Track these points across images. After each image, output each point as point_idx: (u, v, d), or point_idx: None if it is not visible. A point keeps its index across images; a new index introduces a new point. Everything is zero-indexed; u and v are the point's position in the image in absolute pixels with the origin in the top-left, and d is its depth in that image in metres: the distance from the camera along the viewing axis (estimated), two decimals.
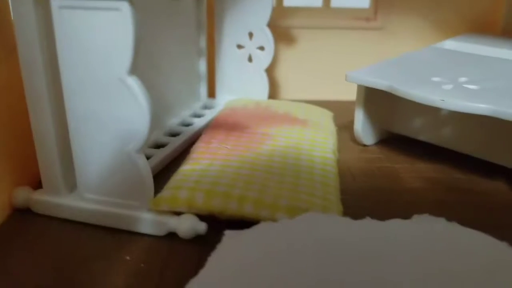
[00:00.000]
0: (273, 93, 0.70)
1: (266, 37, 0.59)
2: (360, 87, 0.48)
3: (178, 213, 0.34)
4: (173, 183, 0.35)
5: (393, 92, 0.42)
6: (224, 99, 0.63)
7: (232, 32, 0.60)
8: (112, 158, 0.32)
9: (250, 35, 0.60)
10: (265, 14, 0.58)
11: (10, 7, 0.31)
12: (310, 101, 0.67)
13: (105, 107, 0.31)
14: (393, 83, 0.42)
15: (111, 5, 0.27)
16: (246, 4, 0.58)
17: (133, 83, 0.29)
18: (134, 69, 0.29)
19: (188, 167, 0.38)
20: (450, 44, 0.59)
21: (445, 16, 0.67)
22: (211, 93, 0.65)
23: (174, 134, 0.52)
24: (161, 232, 0.33)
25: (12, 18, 0.31)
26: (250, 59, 0.61)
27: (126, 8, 0.27)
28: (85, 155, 0.33)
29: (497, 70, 0.48)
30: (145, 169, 0.32)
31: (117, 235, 0.34)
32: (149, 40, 0.48)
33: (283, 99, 0.69)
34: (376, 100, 0.48)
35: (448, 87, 0.41)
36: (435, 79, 0.43)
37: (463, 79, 0.43)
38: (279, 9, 0.67)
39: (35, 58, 0.32)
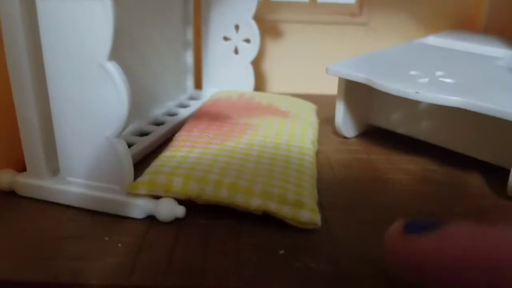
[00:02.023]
0: (259, 86, 0.71)
1: (252, 30, 0.60)
2: (340, 80, 0.49)
3: (158, 197, 0.35)
4: (152, 168, 0.36)
5: (370, 85, 0.43)
6: (211, 91, 0.64)
7: (219, 24, 0.61)
8: (93, 143, 0.33)
9: (236, 27, 0.61)
10: (251, 7, 0.59)
11: None
12: (295, 94, 0.68)
13: (85, 92, 0.32)
14: (370, 76, 0.43)
15: None
16: None
17: (112, 68, 0.30)
18: (113, 55, 0.30)
19: (168, 154, 0.39)
20: (433, 39, 0.60)
21: (429, 13, 0.69)
22: (198, 85, 0.66)
23: (159, 124, 0.53)
24: (140, 215, 0.34)
25: None
26: (236, 52, 0.62)
27: None
28: (67, 139, 0.34)
29: (475, 66, 0.49)
30: (125, 154, 0.33)
31: (97, 217, 0.35)
32: (135, 31, 0.48)
33: (268, 91, 0.71)
34: (356, 93, 0.50)
35: (424, 80, 0.42)
36: (413, 72, 0.44)
37: (440, 73, 0.44)
38: (266, 2, 0.68)
39: (19, 45, 0.32)
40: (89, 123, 0.33)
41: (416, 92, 0.39)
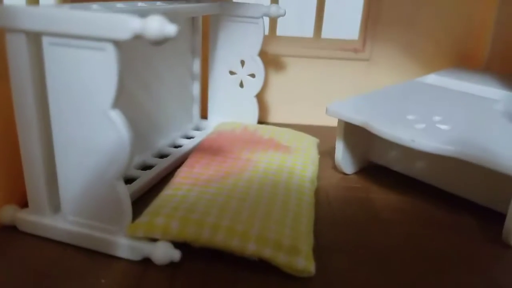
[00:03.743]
0: (263, 116, 0.73)
1: (257, 65, 0.62)
2: (340, 120, 0.50)
3: (154, 239, 0.35)
4: (152, 208, 0.37)
5: (367, 129, 0.44)
6: (216, 121, 0.65)
7: (225, 59, 0.63)
8: (93, 184, 0.34)
9: (242, 62, 0.62)
10: (257, 44, 0.60)
11: (6, 40, 0.33)
12: (298, 125, 0.69)
13: (88, 136, 0.33)
14: (368, 120, 0.44)
15: (97, 45, 0.30)
16: (239, 34, 0.61)
17: (116, 116, 0.31)
18: (117, 104, 0.31)
19: (169, 192, 0.40)
20: (433, 78, 0.61)
21: (430, 49, 0.70)
22: (204, 114, 0.67)
23: (162, 156, 0.54)
24: (136, 257, 0.35)
25: (7, 51, 0.33)
26: (241, 85, 0.64)
27: (110, 48, 0.29)
28: (69, 179, 0.35)
29: (473, 109, 0.50)
30: (124, 196, 0.34)
31: (96, 257, 0.36)
32: (141, 63, 0.50)
33: (272, 122, 0.72)
34: (355, 131, 0.50)
35: (421, 126, 0.43)
36: (410, 117, 0.45)
37: (437, 118, 0.45)
38: (272, 37, 0.69)
39: (26, 87, 0.34)
40: (91, 164, 0.34)
41: (412, 140, 0.39)
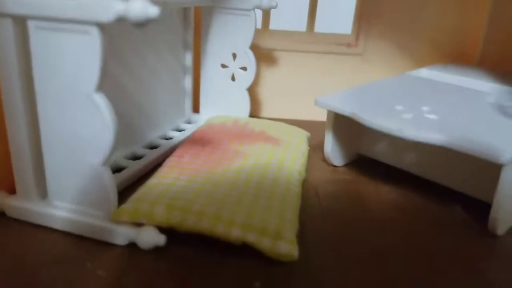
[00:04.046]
0: (255, 110, 0.73)
1: (248, 59, 0.62)
2: (329, 112, 0.50)
3: (141, 224, 0.35)
4: (137, 195, 0.37)
5: (355, 119, 0.44)
6: (207, 115, 0.65)
7: (217, 52, 0.63)
8: (79, 169, 0.34)
9: (234, 55, 0.63)
10: (248, 37, 0.61)
11: None
12: (290, 119, 0.69)
13: (74, 121, 0.33)
14: (357, 111, 0.44)
15: (82, 29, 0.30)
16: (231, 28, 0.61)
17: (99, 100, 0.31)
18: (101, 87, 0.31)
19: (155, 181, 0.40)
20: (425, 72, 0.61)
21: (424, 45, 0.70)
22: (196, 108, 0.67)
23: (153, 147, 0.55)
24: (122, 242, 0.35)
25: None
26: (233, 78, 0.64)
27: (95, 32, 0.30)
28: (55, 165, 0.35)
29: (463, 101, 0.50)
30: (109, 181, 0.34)
31: (82, 242, 0.36)
32: (134, 57, 0.50)
33: (264, 116, 0.72)
34: (344, 123, 0.51)
35: (409, 116, 0.43)
36: (398, 107, 0.45)
37: (425, 108, 0.45)
38: (265, 31, 0.70)
39: (12, 71, 0.34)
40: (77, 150, 0.34)
41: (399, 130, 0.39)
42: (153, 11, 0.28)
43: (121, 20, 0.28)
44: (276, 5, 0.59)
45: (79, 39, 0.30)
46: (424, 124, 0.41)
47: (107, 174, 0.34)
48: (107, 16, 0.28)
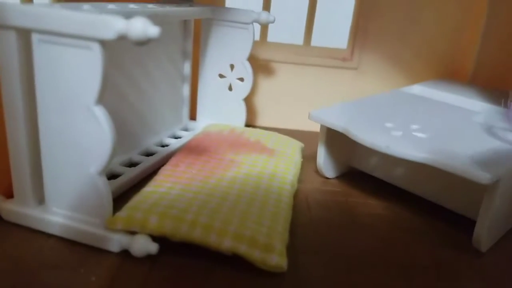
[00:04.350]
0: (251, 119, 0.74)
1: (246, 70, 0.63)
2: (322, 126, 0.51)
3: (135, 232, 0.37)
4: (131, 204, 0.38)
5: (346, 134, 0.45)
6: (204, 123, 0.67)
7: (215, 62, 0.64)
8: (76, 177, 0.35)
9: (232, 66, 0.64)
10: (246, 49, 0.62)
11: None
12: (286, 129, 0.70)
13: (73, 131, 0.34)
14: (348, 126, 0.45)
15: (84, 44, 0.31)
16: (229, 39, 0.62)
17: (99, 112, 0.33)
18: (101, 100, 0.33)
19: (150, 189, 0.41)
20: (417, 89, 0.62)
21: (418, 61, 0.72)
22: (193, 116, 0.68)
23: (149, 154, 0.56)
24: (115, 249, 0.36)
25: None
26: (230, 88, 0.65)
27: (96, 48, 0.31)
28: (53, 172, 0.37)
29: (452, 119, 0.51)
30: (105, 190, 0.35)
31: (76, 248, 0.37)
32: (135, 65, 0.51)
33: (260, 126, 0.73)
34: (337, 137, 0.52)
35: (398, 133, 0.44)
36: (388, 124, 0.46)
37: (415, 126, 0.47)
38: (263, 43, 0.71)
39: (14, 82, 0.35)
40: (74, 158, 0.35)
41: (386, 147, 0.41)
42: (153, 31, 0.29)
43: (121, 38, 0.30)
44: (274, 20, 0.61)
45: (81, 53, 0.32)
46: (412, 142, 0.42)
47: (103, 182, 0.35)
48: (108, 33, 0.30)
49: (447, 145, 0.42)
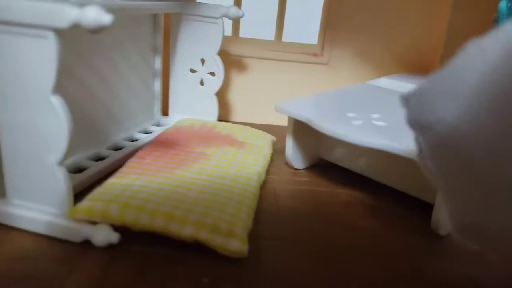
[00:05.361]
0: (225, 116, 0.75)
1: (216, 64, 0.64)
2: (289, 117, 0.52)
3: (96, 222, 0.37)
4: (93, 194, 0.38)
5: (309, 124, 0.46)
6: (177, 118, 0.67)
7: (186, 57, 0.65)
8: (36, 168, 0.35)
9: (202, 61, 0.64)
10: (217, 44, 0.63)
11: None
12: (258, 124, 0.71)
13: (31, 121, 0.34)
14: (311, 116, 0.46)
15: (38, 33, 0.31)
16: (200, 34, 0.63)
17: (56, 101, 0.33)
18: (58, 89, 0.33)
19: (113, 180, 0.41)
20: (384, 81, 0.64)
21: (386, 57, 0.73)
22: (165, 111, 0.69)
23: (118, 148, 0.56)
24: (76, 239, 0.36)
25: None
26: (201, 83, 0.66)
27: (51, 37, 0.31)
28: (13, 163, 0.36)
29: None
30: (65, 180, 0.35)
31: (39, 239, 0.37)
32: (103, 60, 0.51)
33: (233, 120, 0.74)
34: (304, 128, 0.53)
35: (358, 122, 0.45)
36: (350, 114, 0.47)
37: (376, 115, 0.48)
38: (234, 38, 0.72)
39: None
40: (34, 149, 0.35)
41: (345, 135, 0.42)
42: (106, 19, 0.29)
43: (75, 27, 0.30)
44: (243, 15, 0.61)
45: (36, 43, 0.32)
46: (371, 130, 0.43)
47: (63, 173, 0.35)
48: (62, 22, 0.30)
49: (404, 132, 0.43)
